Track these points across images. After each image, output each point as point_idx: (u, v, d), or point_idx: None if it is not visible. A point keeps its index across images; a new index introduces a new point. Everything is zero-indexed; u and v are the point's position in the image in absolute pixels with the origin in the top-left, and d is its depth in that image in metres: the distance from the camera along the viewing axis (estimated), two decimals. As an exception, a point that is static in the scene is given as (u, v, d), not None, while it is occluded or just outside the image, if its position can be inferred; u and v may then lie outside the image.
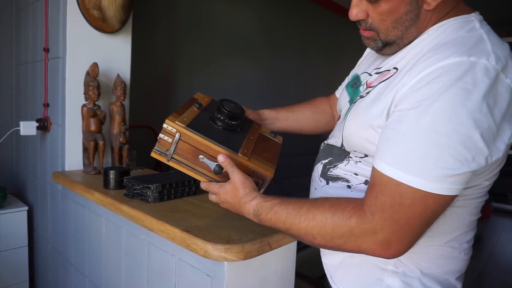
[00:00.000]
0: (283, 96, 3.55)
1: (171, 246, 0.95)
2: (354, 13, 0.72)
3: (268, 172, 0.77)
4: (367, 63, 0.89)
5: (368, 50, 0.99)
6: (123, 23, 1.55)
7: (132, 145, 1.68)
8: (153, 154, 0.76)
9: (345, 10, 4.13)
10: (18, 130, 1.56)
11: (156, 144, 0.76)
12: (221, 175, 0.76)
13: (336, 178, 0.80)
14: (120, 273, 1.19)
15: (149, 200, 1.09)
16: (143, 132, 2.47)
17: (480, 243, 3.53)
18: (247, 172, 0.76)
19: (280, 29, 3.43)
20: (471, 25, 0.66)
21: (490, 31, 0.65)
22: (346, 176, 0.78)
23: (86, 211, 1.35)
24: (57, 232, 1.59)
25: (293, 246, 0.99)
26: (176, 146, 0.75)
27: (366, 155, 0.73)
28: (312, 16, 3.80)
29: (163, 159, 0.76)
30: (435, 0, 0.66)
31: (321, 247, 0.69)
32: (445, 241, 0.73)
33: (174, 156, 0.76)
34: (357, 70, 0.94)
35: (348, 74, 1.05)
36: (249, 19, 3.11)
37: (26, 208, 1.73)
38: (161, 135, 0.75)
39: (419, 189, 0.57)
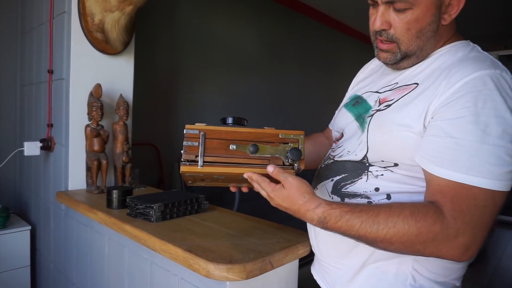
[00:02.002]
0: (284, 111, 3.59)
1: (174, 266, 0.96)
2: (379, 23, 0.75)
3: (298, 132, 0.75)
4: (367, 84, 0.92)
5: (359, 73, 1.03)
6: (125, 45, 1.59)
7: (135, 163, 1.70)
8: (183, 168, 0.72)
9: (343, 26, 4.22)
10: (22, 151, 1.58)
11: (183, 155, 0.72)
12: (260, 157, 0.73)
13: (354, 195, 0.80)
14: (122, 293, 1.19)
15: (152, 219, 1.10)
16: (145, 150, 2.49)
17: (485, 256, 3.49)
18: (279, 140, 0.74)
19: (279, 44, 3.48)
20: (476, 49, 0.74)
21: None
22: (365, 193, 0.78)
23: (89, 230, 1.36)
24: (59, 252, 1.59)
25: (295, 264, 0.99)
26: (204, 146, 0.72)
27: (396, 164, 0.74)
28: (311, 31, 3.86)
29: (194, 169, 0.71)
30: (450, 16, 0.73)
31: (392, 252, 0.69)
32: None
33: (206, 158, 0.72)
34: (354, 91, 0.96)
35: (344, 85, 1.07)
36: (249, 35, 3.16)
37: (29, 227, 1.74)
38: (185, 143, 0.72)
39: (488, 189, 0.61)
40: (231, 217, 1.20)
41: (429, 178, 0.67)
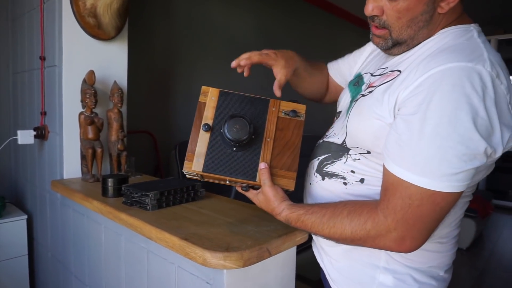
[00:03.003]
0: (283, 96, 3.55)
1: (171, 254, 0.95)
2: (370, 8, 0.74)
3: (288, 187, 0.84)
4: (372, 64, 0.91)
5: (371, 49, 0.99)
6: (119, 30, 1.55)
7: (131, 151, 1.68)
8: (187, 175, 0.86)
9: (342, 11, 4.15)
10: (16, 139, 1.56)
11: (186, 175, 0.85)
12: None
13: (332, 175, 0.84)
14: (120, 281, 1.18)
15: (148, 207, 1.08)
16: (142, 138, 2.47)
17: (481, 241, 3.53)
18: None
19: (278, 31, 3.43)
20: (469, 34, 0.69)
21: (486, 42, 0.69)
22: (342, 174, 0.82)
23: (85, 219, 1.35)
24: (56, 241, 1.59)
25: (293, 251, 0.98)
26: (202, 179, 0.86)
27: (368, 152, 0.76)
28: (310, 18, 3.80)
29: (196, 177, 0.87)
30: (448, 5, 0.69)
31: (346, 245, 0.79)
32: (434, 237, 0.76)
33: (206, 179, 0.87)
34: (360, 69, 0.96)
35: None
36: (247, 21, 3.11)
37: (25, 216, 1.73)
38: (186, 174, 0.84)
39: (427, 189, 0.61)
40: (228, 204, 1.19)
41: (383, 171, 0.69)
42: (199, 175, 0.83)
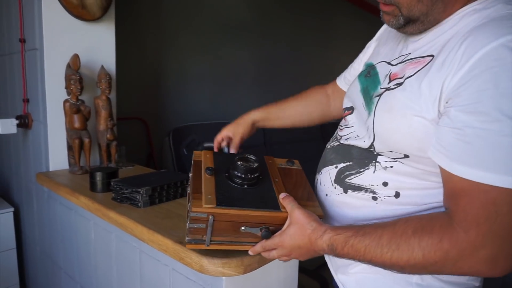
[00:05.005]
0: (277, 81, 3.45)
1: (164, 255, 0.88)
2: None
3: (317, 212, 0.70)
4: (384, 51, 0.79)
5: (379, 35, 0.89)
6: (104, 10, 1.43)
7: (122, 139, 1.58)
8: (188, 247, 0.71)
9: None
10: (-3, 129, 1.46)
11: (188, 235, 0.69)
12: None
13: (358, 188, 0.71)
14: (111, 281, 1.12)
15: (139, 204, 1.00)
16: (133, 125, 2.36)
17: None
18: None
19: (273, 13, 3.29)
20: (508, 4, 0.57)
21: None
22: (372, 187, 0.69)
23: (73, 214, 1.27)
24: (44, 235, 1.51)
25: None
26: (212, 228, 0.67)
27: (406, 156, 0.64)
28: (305, 0, 3.65)
29: (201, 247, 0.70)
30: None
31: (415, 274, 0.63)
32: None
33: (213, 238, 0.69)
34: (371, 58, 0.84)
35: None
36: (241, 3, 2.96)
37: (12, 209, 1.64)
38: (190, 225, 0.67)
39: None
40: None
41: (444, 177, 0.56)
42: (208, 222, 0.67)
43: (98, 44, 1.48)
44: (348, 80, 0.97)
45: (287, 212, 0.68)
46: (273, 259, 0.71)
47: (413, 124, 0.60)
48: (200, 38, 2.68)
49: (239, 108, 3.03)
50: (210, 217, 0.65)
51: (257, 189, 0.73)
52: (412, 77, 0.63)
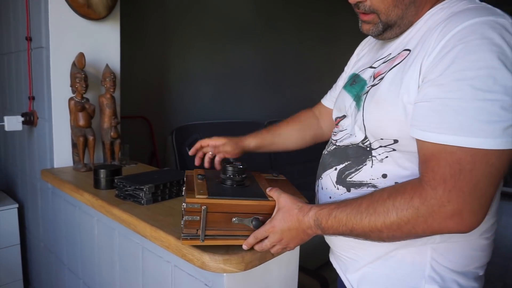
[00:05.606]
0: (282, 80, 3.45)
1: (167, 252, 0.89)
2: None
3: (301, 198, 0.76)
4: (365, 61, 0.85)
5: (358, 51, 0.96)
6: (110, 9, 1.45)
7: (125, 137, 1.60)
8: (184, 243, 0.73)
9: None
10: (3, 125, 1.47)
11: (183, 230, 0.71)
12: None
13: (360, 184, 0.74)
14: (114, 277, 1.13)
15: (142, 202, 1.02)
16: (136, 123, 2.38)
17: (480, 227, 3.50)
18: None
19: (276, 12, 3.30)
20: (475, 1, 0.66)
21: None
22: (373, 181, 0.72)
23: (77, 210, 1.28)
24: (48, 231, 1.53)
25: (296, 249, 0.92)
26: (205, 220, 0.71)
27: (395, 141, 0.68)
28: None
29: (196, 242, 0.73)
30: None
31: (392, 241, 0.66)
32: (481, 232, 0.71)
33: (207, 232, 0.72)
34: (352, 70, 0.90)
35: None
36: (244, 2, 2.98)
37: (16, 205, 1.67)
38: (185, 217, 0.70)
39: (477, 149, 0.54)
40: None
41: (419, 148, 0.61)
42: (201, 216, 0.70)
43: (103, 43, 1.50)
44: (334, 97, 1.01)
45: (274, 201, 0.73)
46: (266, 250, 0.74)
47: (398, 109, 0.65)
48: (205, 37, 2.70)
49: (242, 108, 3.06)
50: (203, 207, 0.69)
51: (246, 189, 0.79)
52: (393, 69, 0.69)
